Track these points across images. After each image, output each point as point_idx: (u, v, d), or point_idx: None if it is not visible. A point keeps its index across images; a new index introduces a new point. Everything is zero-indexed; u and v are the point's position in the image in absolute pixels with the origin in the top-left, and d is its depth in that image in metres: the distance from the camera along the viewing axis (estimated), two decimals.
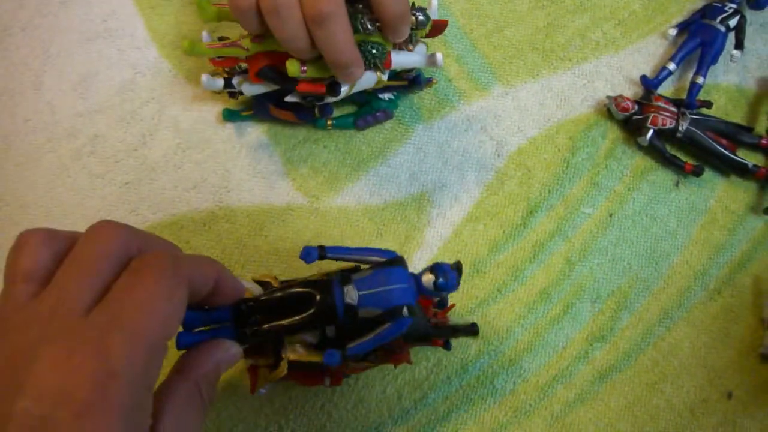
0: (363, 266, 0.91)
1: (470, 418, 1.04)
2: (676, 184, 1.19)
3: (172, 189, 1.14)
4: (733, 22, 1.24)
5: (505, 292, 1.11)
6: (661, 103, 1.19)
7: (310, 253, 0.88)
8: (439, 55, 1.06)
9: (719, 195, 1.19)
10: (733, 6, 1.24)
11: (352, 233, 1.12)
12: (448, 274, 0.85)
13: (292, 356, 0.86)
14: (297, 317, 0.82)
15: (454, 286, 0.86)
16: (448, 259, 1.11)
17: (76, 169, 1.15)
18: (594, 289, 1.12)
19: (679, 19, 1.32)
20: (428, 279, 0.85)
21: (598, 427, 1.05)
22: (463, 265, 1.11)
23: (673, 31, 1.26)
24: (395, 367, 1.01)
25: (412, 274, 0.88)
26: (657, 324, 1.11)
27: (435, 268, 0.86)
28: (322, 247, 0.89)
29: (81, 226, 1.11)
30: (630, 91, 1.25)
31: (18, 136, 1.17)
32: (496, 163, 1.19)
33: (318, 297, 0.82)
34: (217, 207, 1.13)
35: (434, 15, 1.07)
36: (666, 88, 1.26)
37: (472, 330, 0.96)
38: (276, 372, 0.87)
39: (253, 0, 0.89)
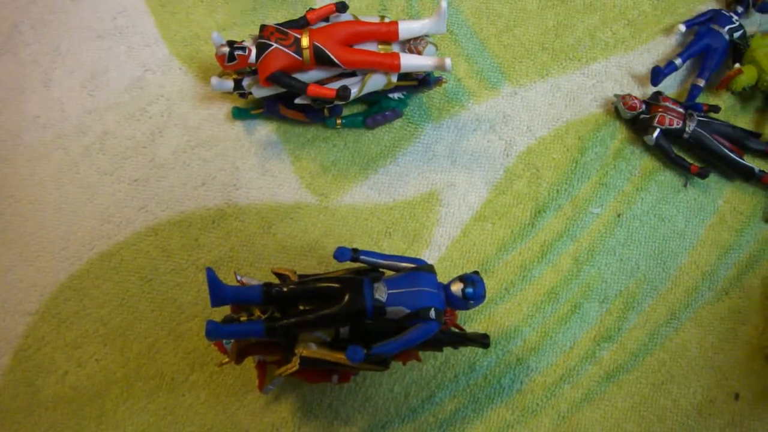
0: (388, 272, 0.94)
1: (477, 417, 1.05)
2: (685, 185, 1.19)
3: (181, 186, 1.15)
4: (737, 35, 1.25)
5: (513, 291, 1.11)
6: (668, 104, 1.19)
7: (343, 253, 0.91)
8: (448, 60, 1.06)
9: (728, 196, 1.19)
10: (738, 19, 1.25)
11: (360, 232, 1.13)
12: (477, 284, 0.88)
13: (306, 352, 0.87)
14: (326, 311, 0.85)
15: (482, 295, 0.88)
16: (457, 258, 1.12)
17: (86, 166, 1.16)
18: (602, 289, 1.12)
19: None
20: (457, 287, 0.88)
21: (604, 427, 1.05)
22: (471, 265, 1.12)
23: (682, 27, 1.26)
24: (404, 364, 1.01)
25: (441, 284, 0.90)
26: (664, 324, 1.11)
27: (464, 278, 0.88)
28: (356, 250, 0.92)
29: (91, 224, 1.13)
30: (639, 91, 1.25)
31: (28, 132, 1.17)
32: (505, 162, 1.19)
33: (348, 293, 0.85)
34: (225, 204, 1.13)
35: (443, 15, 1.07)
36: (671, 90, 1.26)
37: (482, 342, 0.96)
38: (287, 367, 0.88)
39: None
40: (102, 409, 1.03)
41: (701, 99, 1.23)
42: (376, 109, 1.17)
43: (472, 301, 0.87)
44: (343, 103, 1.08)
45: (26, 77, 1.22)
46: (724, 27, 1.24)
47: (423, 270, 0.89)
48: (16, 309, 1.08)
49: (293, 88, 1.05)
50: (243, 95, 1.14)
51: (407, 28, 1.07)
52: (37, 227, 1.12)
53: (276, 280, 0.93)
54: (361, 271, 0.93)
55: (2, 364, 1.05)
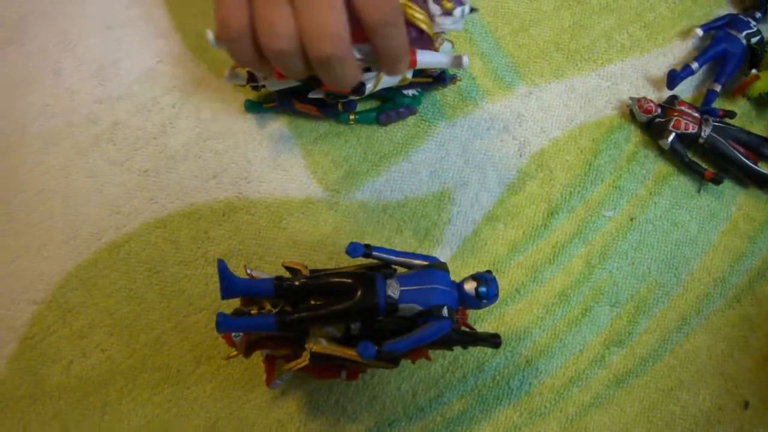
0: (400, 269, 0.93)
1: (485, 418, 1.04)
2: (699, 191, 1.18)
3: (192, 178, 1.14)
4: (755, 40, 1.24)
5: (524, 293, 1.10)
6: (684, 108, 1.18)
7: (356, 249, 0.89)
8: (465, 58, 1.05)
9: (741, 203, 1.18)
10: (756, 24, 1.25)
11: (371, 228, 1.12)
12: (490, 283, 0.86)
13: (316, 348, 0.86)
14: (339, 306, 0.83)
15: (495, 295, 0.87)
16: (468, 258, 1.11)
17: (95, 156, 1.15)
18: (613, 293, 1.11)
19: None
20: (470, 286, 0.86)
21: (612, 431, 1.04)
22: (482, 265, 1.11)
23: (699, 31, 1.25)
24: (413, 362, 1.00)
25: (454, 282, 0.89)
26: (675, 330, 1.10)
27: (477, 276, 0.87)
28: (368, 246, 0.90)
29: (99, 215, 1.12)
30: (654, 94, 1.24)
31: (37, 121, 1.17)
32: (518, 162, 1.18)
33: (360, 289, 0.84)
34: (236, 198, 1.13)
35: (464, 12, 1.07)
36: (686, 94, 1.25)
37: (493, 342, 0.95)
38: (297, 362, 0.86)
39: (250, 49, 0.87)
40: (106, 399, 1.02)
41: (717, 104, 1.22)
42: (390, 106, 1.16)
43: (485, 300, 0.86)
44: (358, 98, 1.07)
45: (36, 66, 1.21)
46: (741, 32, 1.23)
47: (436, 267, 0.88)
48: (22, 297, 1.07)
49: (307, 81, 1.04)
50: (256, 87, 1.14)
51: None
52: (45, 216, 1.11)
53: (287, 274, 0.92)
54: (373, 267, 0.92)
55: (7, 353, 1.04)
